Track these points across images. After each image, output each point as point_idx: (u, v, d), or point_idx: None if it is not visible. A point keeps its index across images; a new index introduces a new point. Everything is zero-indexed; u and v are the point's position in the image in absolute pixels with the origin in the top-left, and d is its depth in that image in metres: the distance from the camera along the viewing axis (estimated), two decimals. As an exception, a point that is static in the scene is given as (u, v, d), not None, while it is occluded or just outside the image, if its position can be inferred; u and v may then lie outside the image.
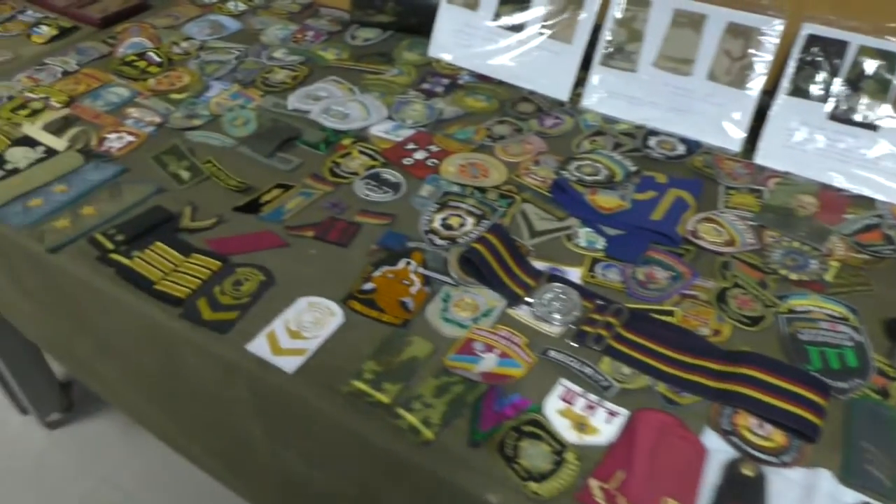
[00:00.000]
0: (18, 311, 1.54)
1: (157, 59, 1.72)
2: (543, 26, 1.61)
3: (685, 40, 1.48)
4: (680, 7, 1.48)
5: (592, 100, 1.58)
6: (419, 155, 1.44)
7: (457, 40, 1.72)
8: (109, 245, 1.22)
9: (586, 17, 1.57)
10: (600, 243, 1.24)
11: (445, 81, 1.67)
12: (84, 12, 1.90)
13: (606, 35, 1.55)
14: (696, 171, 1.41)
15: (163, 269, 1.18)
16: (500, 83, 1.66)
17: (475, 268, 1.14)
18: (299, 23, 1.89)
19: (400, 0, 1.79)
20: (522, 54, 1.64)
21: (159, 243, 1.22)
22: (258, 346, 1.05)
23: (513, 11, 1.64)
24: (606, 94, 1.57)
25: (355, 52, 1.78)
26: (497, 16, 1.66)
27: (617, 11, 1.54)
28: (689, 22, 1.48)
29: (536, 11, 1.62)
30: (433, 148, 1.46)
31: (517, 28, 1.64)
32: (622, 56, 1.54)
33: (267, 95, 1.60)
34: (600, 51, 1.56)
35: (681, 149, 1.46)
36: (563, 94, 1.61)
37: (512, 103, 1.60)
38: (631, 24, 1.53)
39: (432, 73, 1.70)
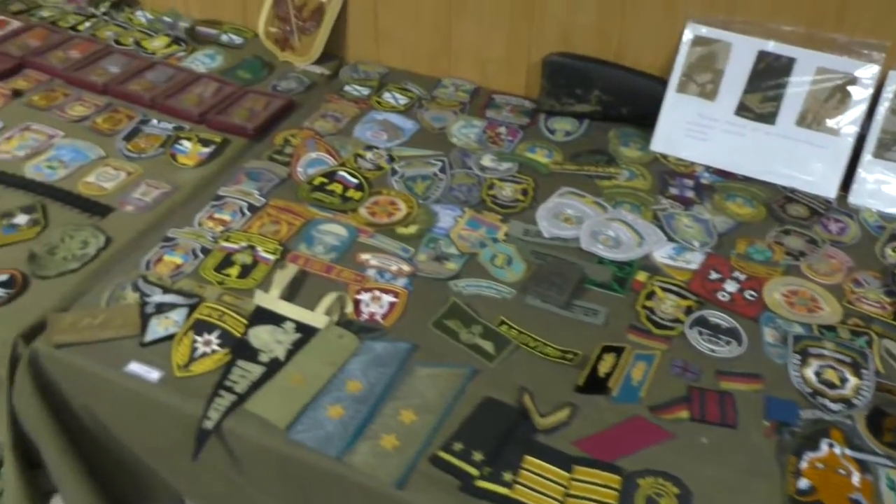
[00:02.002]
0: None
1: (354, 181, 1.44)
2: (802, 116, 1.45)
3: None
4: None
5: (863, 196, 1.44)
6: (730, 287, 1.25)
7: (689, 133, 1.53)
8: (471, 469, 0.96)
9: (857, 105, 1.42)
10: None
11: (689, 183, 1.48)
12: (228, 120, 1.58)
13: (879, 124, 1.41)
14: None
15: (554, 496, 0.94)
16: (748, 180, 1.49)
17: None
18: (479, 116, 1.65)
19: (608, 88, 1.58)
20: (776, 148, 1.48)
21: (529, 457, 0.98)
22: None
23: (762, 101, 1.47)
24: (881, 189, 1.43)
25: (566, 150, 1.56)
26: (742, 106, 1.49)
27: (891, 97, 1.40)
28: None
29: (793, 100, 1.45)
30: (739, 276, 1.27)
31: (767, 118, 1.48)
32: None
33: (510, 221, 1.36)
34: (872, 141, 1.42)
35: None
36: (831, 191, 1.45)
37: (779, 205, 1.43)
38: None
39: (668, 172, 1.51)
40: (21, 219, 1.33)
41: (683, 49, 1.51)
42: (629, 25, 1.56)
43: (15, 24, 1.87)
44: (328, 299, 1.17)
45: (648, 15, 1.54)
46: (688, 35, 1.50)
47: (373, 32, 1.79)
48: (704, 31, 1.49)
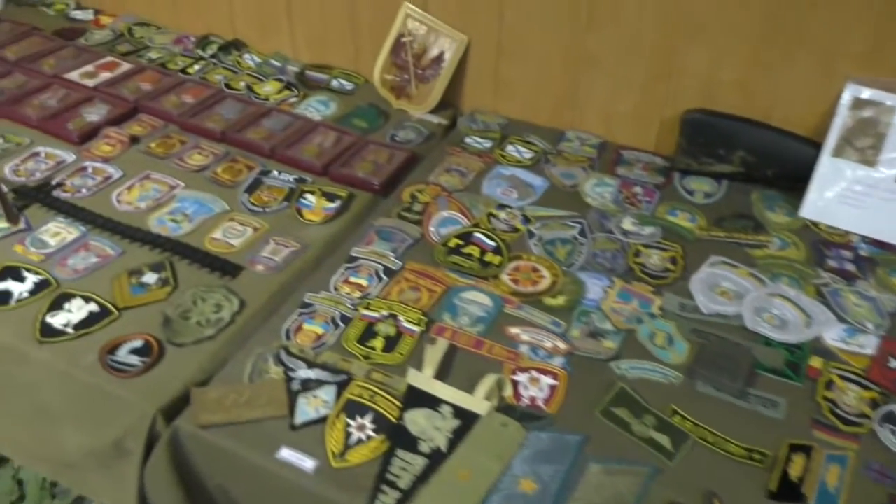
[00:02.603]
0: None
1: (491, 244, 1.36)
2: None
3: None
4: None
5: None
6: (916, 377, 1.14)
7: (845, 200, 1.43)
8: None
9: None
10: None
11: (847, 254, 1.38)
12: (352, 174, 1.51)
13: None
14: None
15: None
16: (912, 252, 1.39)
17: None
18: (610, 173, 1.56)
19: (753, 148, 1.49)
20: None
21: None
22: None
23: (933, 169, 1.37)
24: None
25: (708, 214, 1.46)
26: (908, 174, 1.38)
27: None
28: None
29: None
30: (924, 364, 1.16)
31: (936, 187, 1.37)
32: None
33: (664, 293, 1.27)
34: None
35: None
36: None
37: (952, 283, 1.32)
38: None
39: (822, 242, 1.41)
40: (150, 277, 1.27)
41: (842, 111, 1.41)
42: (779, 83, 1.47)
43: (125, 65, 1.84)
44: (487, 382, 1.08)
45: (801, 73, 1.45)
46: (847, 97, 1.40)
47: (492, 82, 1.72)
48: (866, 93, 1.39)
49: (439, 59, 1.70)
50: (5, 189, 1.42)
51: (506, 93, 1.73)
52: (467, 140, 1.66)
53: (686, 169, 1.57)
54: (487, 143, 1.65)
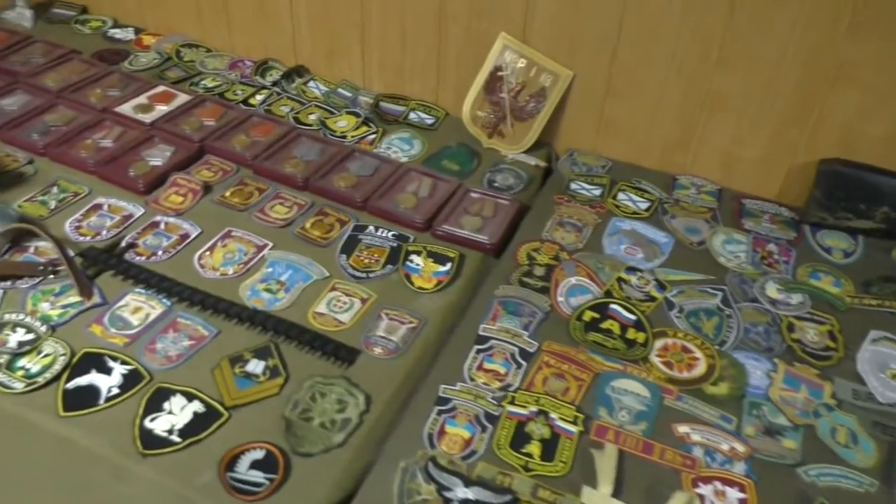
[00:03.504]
0: None
1: (631, 317, 1.21)
2: None
3: None
4: None
5: None
6: None
7: None
8: None
9: None
10: None
11: None
12: (459, 232, 1.35)
13: None
14: None
15: None
16: None
17: None
18: (735, 226, 1.42)
19: (898, 204, 1.36)
20: None
21: None
22: None
23: None
24: None
25: (853, 276, 1.33)
26: None
27: None
28: None
29: None
30: None
31: None
32: None
33: (833, 378, 1.14)
34: None
35: None
36: None
37: None
38: None
39: (983, 309, 1.29)
40: (256, 366, 1.10)
41: None
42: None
43: (181, 96, 1.65)
44: (681, 499, 0.94)
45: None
46: None
47: (594, 120, 1.57)
48: None
49: (540, 94, 1.54)
50: (71, 254, 1.24)
51: (609, 132, 1.58)
52: (573, 186, 1.51)
53: (819, 223, 1.43)
54: (596, 190, 1.49)
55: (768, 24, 1.33)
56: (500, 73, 1.55)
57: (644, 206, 1.47)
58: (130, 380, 1.07)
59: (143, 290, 1.21)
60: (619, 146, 1.58)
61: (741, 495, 0.98)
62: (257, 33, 1.81)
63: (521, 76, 1.54)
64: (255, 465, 0.98)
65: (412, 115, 1.69)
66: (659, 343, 1.19)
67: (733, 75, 1.40)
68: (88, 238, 1.31)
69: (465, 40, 1.59)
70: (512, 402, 1.07)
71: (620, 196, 1.49)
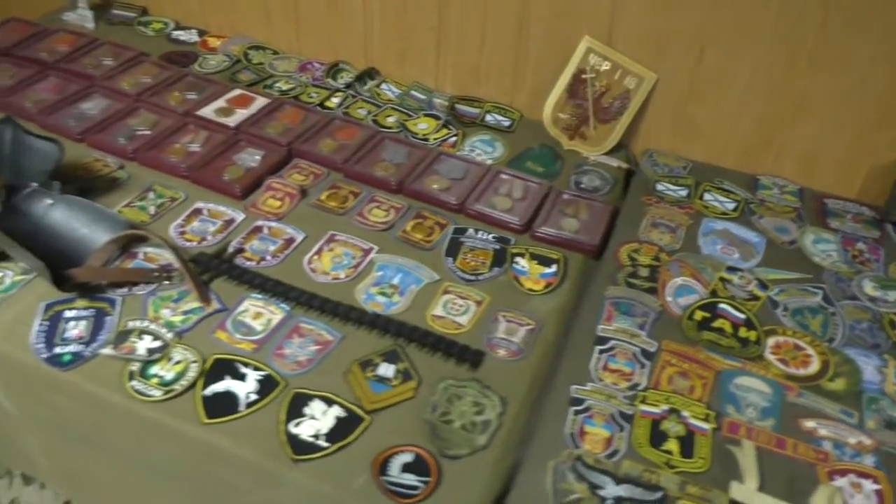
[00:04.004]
0: None
1: (740, 316, 1.24)
2: None
3: None
4: None
5: None
6: None
7: None
8: None
9: None
10: None
11: None
12: (559, 234, 1.37)
13: None
14: None
15: None
16: None
17: None
18: (822, 226, 1.45)
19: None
20: None
21: None
22: None
23: None
24: None
25: (943, 273, 1.37)
26: None
27: None
28: None
29: None
30: None
31: None
32: None
33: (945, 375, 1.18)
34: None
35: None
36: None
37: None
38: None
39: None
40: (387, 370, 1.11)
41: None
42: None
43: (259, 99, 1.64)
44: (824, 495, 0.97)
45: None
46: None
47: (675, 122, 1.59)
48: None
49: (624, 96, 1.56)
50: (184, 258, 1.24)
51: (688, 133, 1.60)
52: (658, 187, 1.53)
53: (902, 223, 1.47)
54: (682, 191, 1.52)
55: (863, 28, 1.36)
56: (583, 76, 1.57)
57: (731, 206, 1.50)
58: (266, 385, 1.08)
59: (259, 296, 1.22)
60: (698, 147, 1.61)
61: (876, 486, 1.01)
62: (327, 36, 1.81)
63: (605, 78, 1.56)
64: (406, 468, 0.99)
65: (488, 117, 1.70)
66: (771, 341, 1.21)
67: (821, 78, 1.43)
68: (195, 243, 1.30)
69: (545, 42, 1.60)
70: (644, 402, 1.09)
71: (707, 196, 1.52)
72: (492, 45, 1.66)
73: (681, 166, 1.60)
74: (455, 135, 1.63)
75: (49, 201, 1.25)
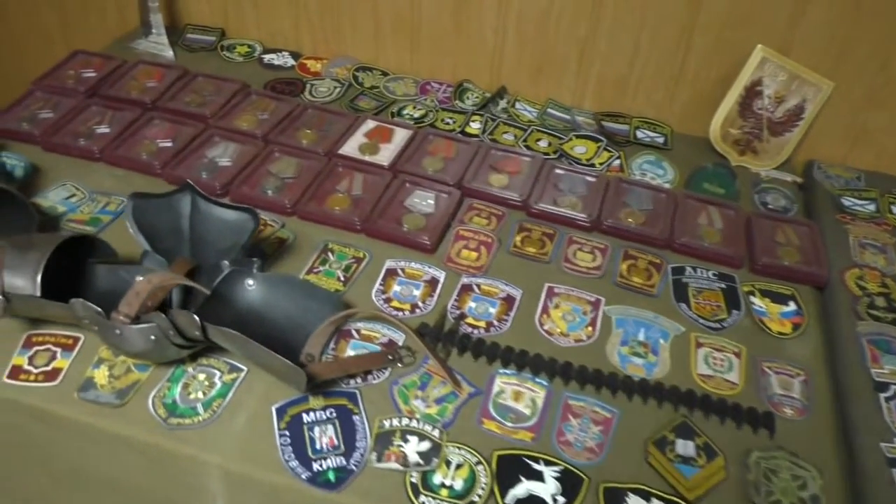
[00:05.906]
0: None
1: None
2: None
3: None
4: None
5: None
6: None
7: None
8: None
9: None
10: None
11: None
12: (777, 262, 1.26)
13: None
14: None
15: None
16: None
17: None
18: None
19: None
20: None
21: None
22: None
23: None
24: None
25: None
26: None
27: None
28: None
29: None
30: None
31: None
32: None
33: None
34: None
35: None
36: None
37: None
38: None
39: None
40: (686, 448, 0.99)
41: None
42: None
43: (399, 131, 1.46)
44: None
45: None
46: None
47: (848, 131, 1.52)
48: None
49: (798, 108, 1.47)
50: (421, 335, 1.07)
51: (860, 142, 1.53)
52: (845, 202, 1.45)
53: None
54: (870, 205, 1.44)
55: None
56: (758, 89, 1.46)
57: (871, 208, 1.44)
58: (568, 483, 0.94)
59: (507, 371, 1.07)
60: (867, 156, 1.54)
61: None
62: (449, 53, 1.64)
63: (781, 90, 1.46)
64: (765, 568, 0.88)
65: (639, 134, 1.58)
66: None
67: None
68: (406, 312, 1.14)
69: (709, 52, 1.49)
70: (960, 454, 1.02)
71: (845, 201, 1.45)
72: (646, 55, 1.53)
73: (853, 177, 1.52)
74: (618, 157, 1.50)
75: (250, 282, 1.05)
